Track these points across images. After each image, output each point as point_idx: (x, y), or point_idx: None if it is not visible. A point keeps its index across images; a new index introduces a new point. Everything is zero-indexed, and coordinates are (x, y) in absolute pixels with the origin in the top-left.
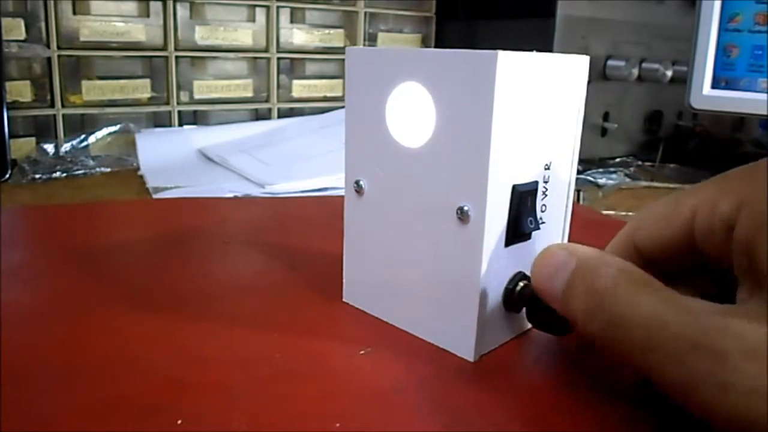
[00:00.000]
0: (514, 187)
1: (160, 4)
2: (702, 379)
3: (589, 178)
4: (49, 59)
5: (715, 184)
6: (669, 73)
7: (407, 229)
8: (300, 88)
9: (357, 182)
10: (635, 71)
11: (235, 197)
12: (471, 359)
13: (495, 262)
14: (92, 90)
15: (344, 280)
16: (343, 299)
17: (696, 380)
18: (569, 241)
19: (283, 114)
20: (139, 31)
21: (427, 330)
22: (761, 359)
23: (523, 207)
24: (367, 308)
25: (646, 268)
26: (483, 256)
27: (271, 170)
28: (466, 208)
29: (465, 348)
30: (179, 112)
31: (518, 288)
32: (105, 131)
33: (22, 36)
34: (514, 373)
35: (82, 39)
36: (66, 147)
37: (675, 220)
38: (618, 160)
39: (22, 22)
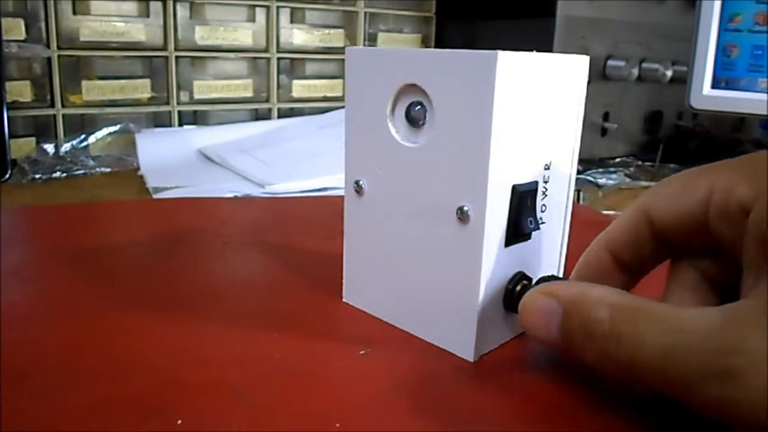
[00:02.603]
0: (514, 187)
1: (160, 4)
2: (721, 400)
3: (589, 178)
4: (49, 59)
5: (732, 167)
6: (669, 73)
7: (407, 229)
8: (300, 88)
9: (357, 182)
10: (635, 71)
11: (235, 197)
12: (471, 359)
13: (495, 262)
14: (92, 90)
15: (344, 280)
16: (343, 299)
17: (715, 401)
18: (569, 241)
19: (283, 114)
20: (139, 31)
21: (427, 330)
22: None
23: (523, 207)
24: (367, 308)
25: (656, 242)
26: (483, 256)
27: (271, 170)
28: (466, 208)
29: (465, 348)
30: (179, 112)
31: (518, 288)
32: (105, 131)
33: (22, 36)
34: (514, 373)
35: (82, 39)
36: (66, 147)
37: (693, 195)
38: (618, 160)
39: (22, 22)
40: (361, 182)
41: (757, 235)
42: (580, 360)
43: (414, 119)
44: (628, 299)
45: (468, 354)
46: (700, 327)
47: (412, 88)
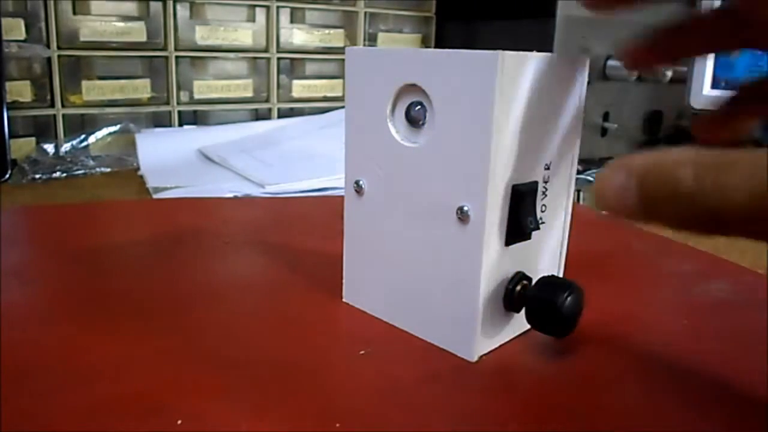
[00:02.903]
0: (514, 187)
1: (160, 4)
2: None
3: (589, 178)
4: (49, 59)
5: None
6: (669, 73)
7: (407, 229)
8: (300, 88)
9: (357, 182)
10: (635, 71)
11: (235, 197)
12: (471, 359)
13: (495, 262)
14: (92, 90)
15: (344, 280)
16: (343, 299)
17: None
18: (569, 243)
19: (283, 114)
20: (139, 31)
21: (427, 330)
22: None
23: (523, 207)
24: (367, 308)
25: None
26: (483, 256)
27: (271, 170)
28: (466, 208)
29: (465, 348)
30: (179, 112)
31: (518, 288)
32: (105, 131)
33: (22, 36)
34: (514, 373)
35: (82, 39)
36: (66, 147)
37: None
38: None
39: (22, 22)
40: (361, 182)
41: None
42: (663, 224)
43: (414, 119)
44: (711, 154)
45: (468, 354)
46: None
47: (412, 88)
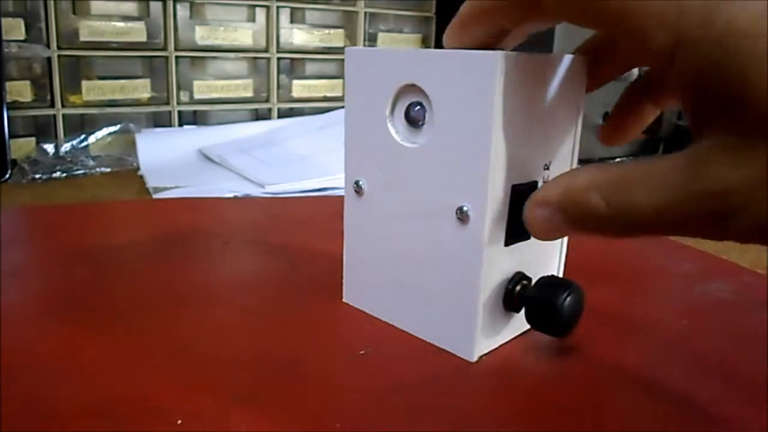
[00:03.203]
0: (514, 187)
1: (160, 4)
2: (725, 234)
3: None
4: (49, 59)
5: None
6: None
7: (407, 229)
8: (300, 88)
9: (357, 182)
10: (635, 71)
11: (235, 197)
12: (471, 359)
13: (495, 262)
14: (92, 90)
15: (344, 280)
16: (343, 299)
17: (720, 236)
18: (569, 243)
19: (283, 114)
20: (139, 31)
21: (427, 330)
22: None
23: (523, 207)
24: (367, 308)
25: None
26: (483, 256)
27: (271, 170)
28: (465, 208)
29: (465, 348)
30: (179, 112)
31: (518, 288)
32: (105, 131)
33: (22, 36)
34: (514, 373)
35: (82, 39)
36: (66, 147)
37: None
38: (618, 160)
39: (22, 22)
40: (360, 182)
41: (683, 84)
42: (594, 235)
43: (413, 119)
44: (611, 173)
45: (468, 354)
46: (675, 179)
47: (412, 88)
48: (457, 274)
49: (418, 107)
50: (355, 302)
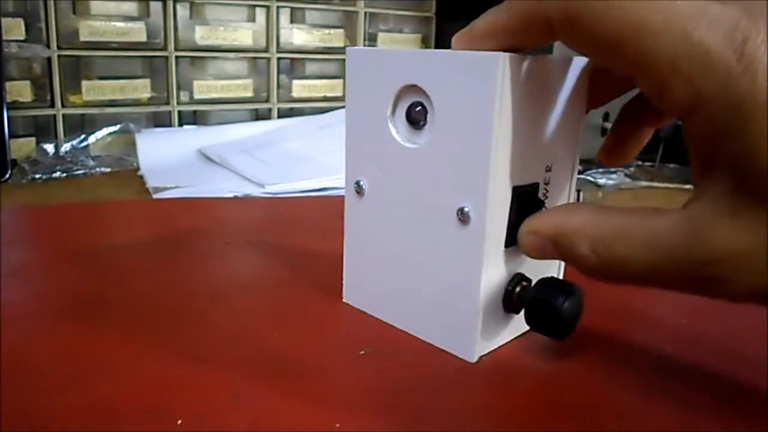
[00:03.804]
0: (515, 188)
1: (160, 4)
2: (716, 295)
3: (589, 178)
4: (49, 59)
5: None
6: None
7: (407, 229)
8: (300, 88)
9: (357, 182)
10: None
11: (235, 197)
12: (471, 360)
13: (495, 263)
14: (92, 90)
15: (344, 280)
16: (343, 299)
17: (711, 295)
18: None
19: (283, 114)
20: (139, 31)
21: (427, 330)
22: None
23: (524, 208)
24: (367, 308)
25: None
26: (483, 257)
27: (271, 170)
28: (466, 209)
29: (465, 348)
30: (179, 112)
31: (518, 290)
32: (105, 131)
33: (22, 36)
34: (514, 373)
35: (82, 39)
36: (66, 147)
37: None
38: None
39: (22, 22)
40: (361, 182)
41: (696, 143)
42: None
43: (414, 120)
44: (603, 225)
45: (468, 355)
46: (673, 241)
47: (413, 88)
48: (457, 274)
49: (419, 108)
50: (355, 302)
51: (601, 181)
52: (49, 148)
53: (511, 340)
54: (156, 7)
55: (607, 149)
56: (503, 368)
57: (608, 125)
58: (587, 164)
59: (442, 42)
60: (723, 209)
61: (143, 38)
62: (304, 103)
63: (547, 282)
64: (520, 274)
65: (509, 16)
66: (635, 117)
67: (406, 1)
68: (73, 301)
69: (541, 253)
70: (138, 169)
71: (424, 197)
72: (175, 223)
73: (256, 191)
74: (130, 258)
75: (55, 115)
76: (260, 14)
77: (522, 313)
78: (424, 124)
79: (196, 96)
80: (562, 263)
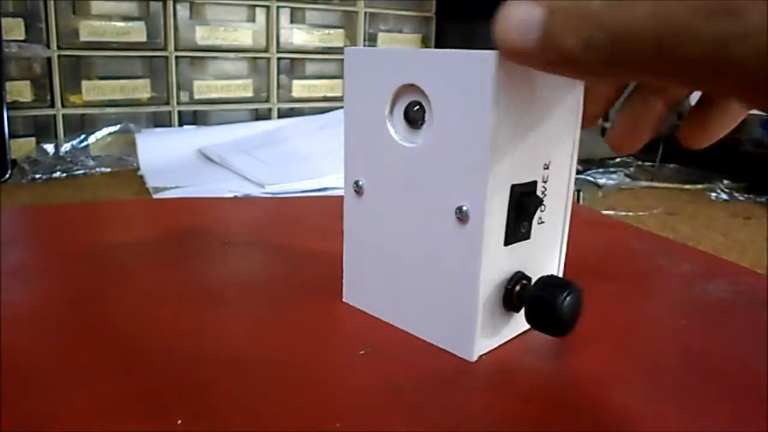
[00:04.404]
0: (513, 187)
1: (160, 4)
2: (721, 41)
3: (589, 178)
4: (49, 59)
5: None
6: None
7: (407, 228)
8: (300, 88)
9: (357, 182)
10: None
11: (235, 197)
12: (471, 359)
13: (494, 262)
14: (92, 90)
15: (344, 280)
16: (343, 299)
17: (713, 44)
18: (569, 241)
19: (283, 114)
20: (139, 31)
21: (427, 330)
22: None
23: (522, 206)
24: (367, 308)
25: None
26: (482, 255)
27: (271, 170)
28: (465, 207)
29: (465, 348)
30: (179, 112)
31: (518, 288)
32: (105, 131)
33: (22, 36)
34: (514, 373)
35: (82, 39)
36: (66, 147)
37: None
38: (618, 160)
39: (22, 22)
40: (360, 182)
41: None
42: (563, 57)
43: (413, 119)
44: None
45: (468, 354)
46: None
47: (411, 88)
48: (456, 273)
49: (417, 107)
50: (355, 302)
51: (601, 181)
52: (49, 148)
53: (512, 338)
54: (156, 7)
55: (617, 134)
56: (503, 368)
57: (608, 125)
58: (587, 164)
59: (442, 42)
60: None
61: (143, 38)
62: (304, 103)
63: (547, 281)
64: (519, 272)
65: None
66: (644, 94)
67: (406, 1)
68: (73, 300)
69: (521, 23)
70: (138, 169)
71: (423, 196)
72: (175, 223)
73: (256, 191)
74: (130, 258)
75: (55, 115)
76: (260, 14)
77: (522, 311)
78: (422, 124)
79: (196, 96)
80: (562, 261)
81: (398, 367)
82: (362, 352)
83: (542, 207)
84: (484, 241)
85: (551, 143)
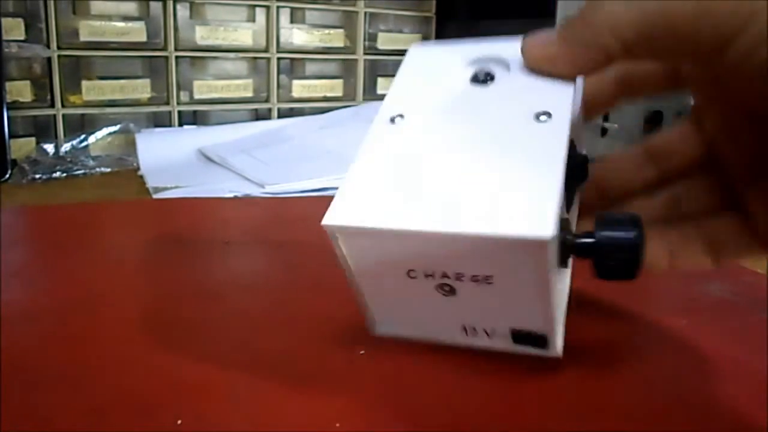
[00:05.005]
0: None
1: (160, 4)
2: (753, 42)
3: None
4: (49, 59)
5: None
6: None
7: (466, 140)
8: (300, 88)
9: (392, 119)
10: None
11: (235, 197)
12: (547, 237)
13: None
14: (92, 90)
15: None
16: (348, 217)
17: (746, 44)
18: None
19: (283, 114)
20: (139, 31)
21: (488, 225)
22: None
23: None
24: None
25: None
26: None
27: (271, 170)
28: (545, 112)
29: (541, 226)
30: (179, 112)
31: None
32: (105, 131)
33: (22, 36)
34: (514, 372)
35: (82, 39)
36: (66, 147)
37: None
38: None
39: (22, 22)
40: (399, 118)
41: None
42: (583, 53)
43: (481, 78)
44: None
45: (545, 231)
46: None
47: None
48: (534, 164)
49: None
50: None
51: None
52: (49, 148)
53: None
54: (156, 7)
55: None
56: (503, 368)
57: (608, 125)
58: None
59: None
60: None
61: (143, 38)
62: (304, 103)
63: (606, 219)
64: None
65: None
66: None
67: (406, 1)
68: (73, 301)
69: (542, 44)
70: (138, 169)
71: (493, 119)
72: (175, 223)
73: (256, 191)
74: (129, 258)
75: (55, 115)
76: (260, 14)
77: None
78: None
79: (196, 96)
80: None
81: (398, 367)
82: (362, 352)
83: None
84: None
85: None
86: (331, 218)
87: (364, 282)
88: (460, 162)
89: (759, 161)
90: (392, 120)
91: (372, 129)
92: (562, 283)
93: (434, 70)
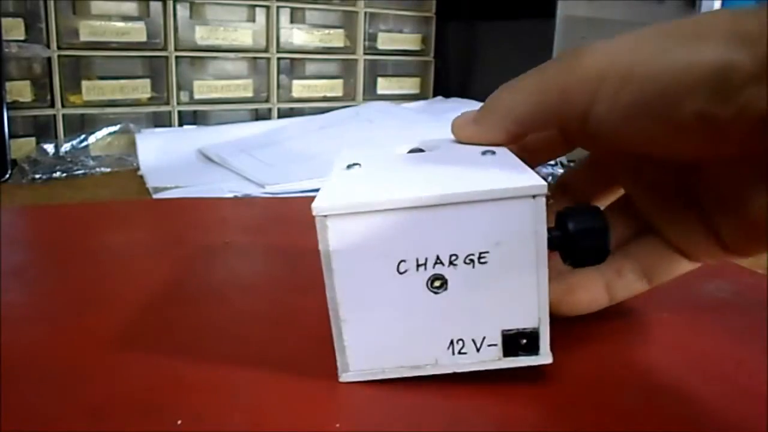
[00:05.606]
0: None
1: (160, 4)
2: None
3: None
4: (49, 59)
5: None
6: None
7: None
8: (300, 88)
9: (351, 165)
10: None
11: (235, 197)
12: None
13: None
14: (92, 90)
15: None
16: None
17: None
18: None
19: (283, 114)
20: (139, 31)
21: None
22: None
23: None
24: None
25: None
26: None
27: (271, 170)
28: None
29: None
30: (179, 112)
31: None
32: (105, 131)
33: (22, 36)
34: (514, 373)
35: (82, 39)
36: (66, 147)
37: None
38: None
39: (22, 22)
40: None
41: None
42: (493, 134)
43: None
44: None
45: (540, 182)
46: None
47: None
48: None
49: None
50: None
51: None
52: (49, 148)
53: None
54: (156, 7)
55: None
56: (503, 368)
57: None
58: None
59: (443, 42)
60: None
61: (143, 38)
62: (304, 103)
63: (569, 212)
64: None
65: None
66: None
67: (406, 1)
68: (73, 301)
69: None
70: (138, 169)
71: (447, 157)
72: (175, 223)
73: (256, 191)
74: (130, 258)
75: (55, 115)
76: (260, 14)
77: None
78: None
79: (196, 96)
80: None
81: None
82: None
83: None
84: None
85: None
86: (321, 203)
87: (346, 288)
88: (432, 171)
89: (657, 191)
90: (349, 167)
91: (331, 174)
92: (544, 279)
93: (373, 151)
